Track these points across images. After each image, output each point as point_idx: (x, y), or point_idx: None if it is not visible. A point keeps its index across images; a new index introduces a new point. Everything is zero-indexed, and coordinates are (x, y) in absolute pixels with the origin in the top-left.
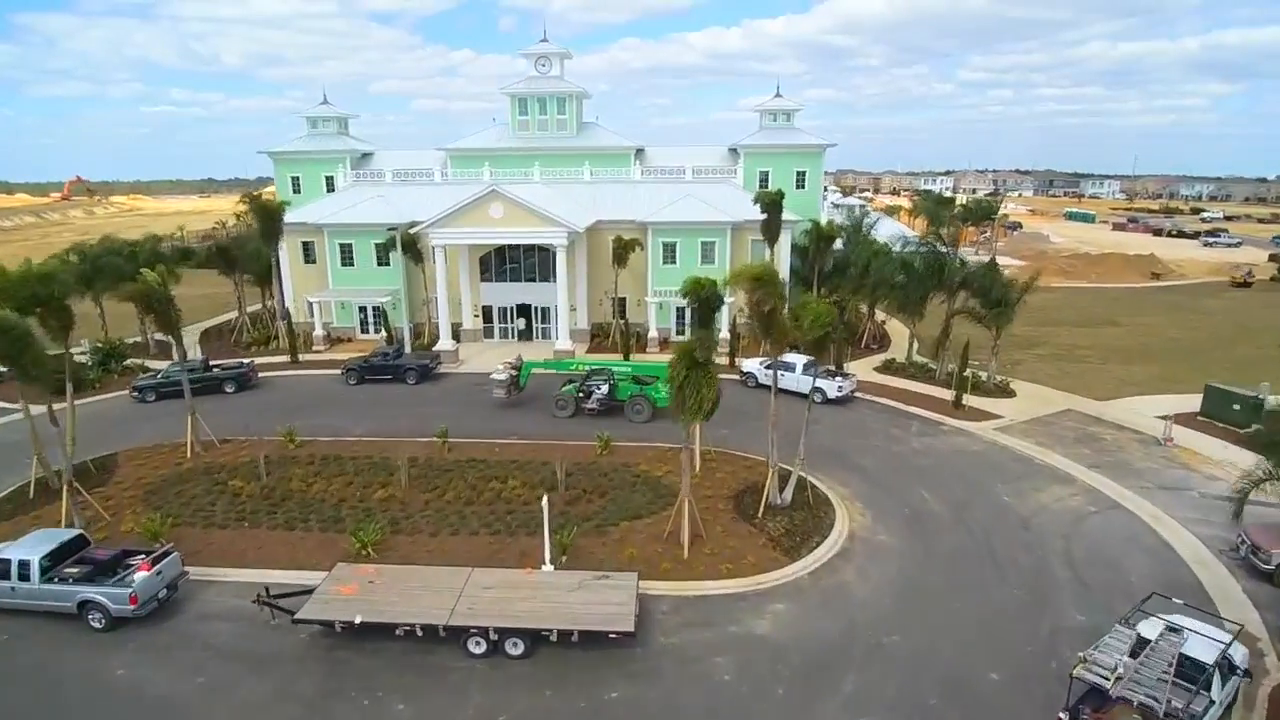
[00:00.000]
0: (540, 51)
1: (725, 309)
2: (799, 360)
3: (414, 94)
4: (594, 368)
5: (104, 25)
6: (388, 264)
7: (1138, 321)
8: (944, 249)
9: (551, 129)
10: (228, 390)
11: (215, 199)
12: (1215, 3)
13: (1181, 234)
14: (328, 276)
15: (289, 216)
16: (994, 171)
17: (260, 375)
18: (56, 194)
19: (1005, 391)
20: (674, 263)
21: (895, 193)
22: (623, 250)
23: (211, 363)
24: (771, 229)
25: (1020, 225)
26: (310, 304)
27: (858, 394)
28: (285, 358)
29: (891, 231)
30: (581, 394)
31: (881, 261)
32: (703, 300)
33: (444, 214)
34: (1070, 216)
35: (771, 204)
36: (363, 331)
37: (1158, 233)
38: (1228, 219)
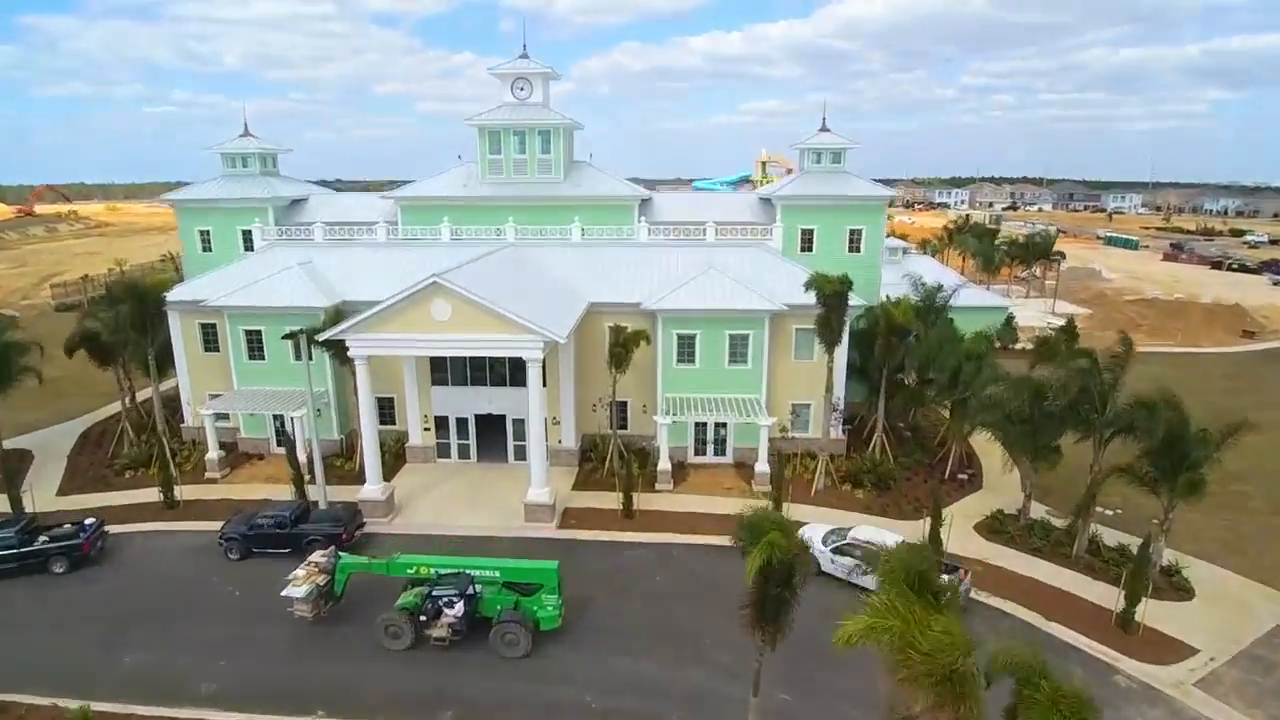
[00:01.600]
0: (518, 71)
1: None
2: (887, 537)
3: (416, 96)
4: (446, 569)
5: (105, 26)
6: (311, 356)
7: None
8: (1092, 369)
9: (531, 171)
10: (56, 570)
11: None
12: (1216, 9)
13: (1244, 268)
14: (230, 372)
15: (178, 292)
16: (1010, 183)
17: (120, 530)
18: (18, 206)
19: (1179, 588)
20: (692, 361)
21: (909, 206)
22: (624, 347)
23: (39, 526)
24: (832, 329)
25: (1064, 255)
26: (210, 408)
27: (974, 594)
28: (165, 495)
29: (934, 275)
30: (423, 613)
31: (984, 379)
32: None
33: (367, 316)
34: (1110, 241)
35: (834, 296)
36: (279, 444)
37: (1216, 265)
38: (1273, 243)
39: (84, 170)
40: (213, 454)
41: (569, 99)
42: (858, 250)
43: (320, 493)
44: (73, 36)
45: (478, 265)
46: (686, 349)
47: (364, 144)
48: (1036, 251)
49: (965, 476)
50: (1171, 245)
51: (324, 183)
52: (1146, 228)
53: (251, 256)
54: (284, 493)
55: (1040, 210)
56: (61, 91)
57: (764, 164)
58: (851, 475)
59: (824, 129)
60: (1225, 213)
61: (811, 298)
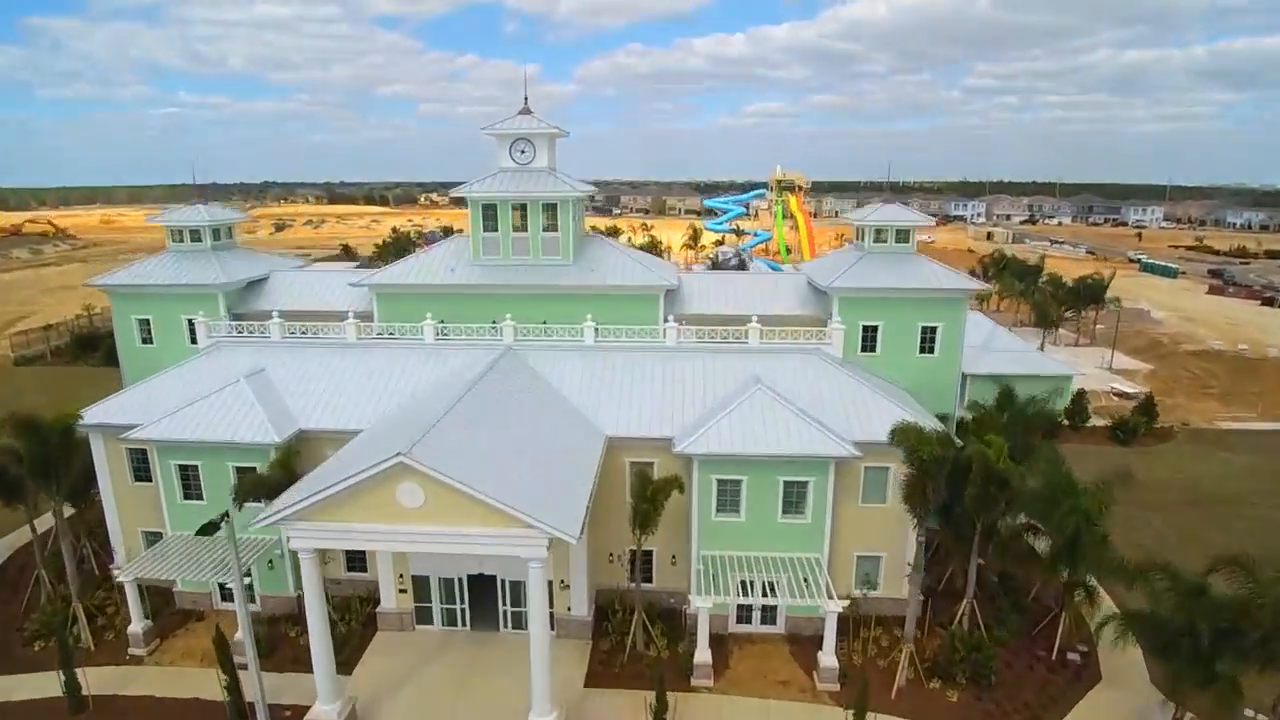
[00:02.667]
0: (518, 131)
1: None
2: None
3: (420, 98)
4: None
5: (110, 28)
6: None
7: None
8: None
9: (534, 253)
10: None
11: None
12: (1222, 10)
13: None
14: (163, 514)
15: (99, 412)
16: (1025, 192)
17: None
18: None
19: None
20: (735, 511)
21: None
22: (651, 503)
23: None
24: (925, 500)
25: (1119, 303)
26: (129, 572)
27: None
28: (69, 691)
29: (979, 330)
30: None
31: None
32: None
33: (313, 499)
34: (1146, 268)
35: (931, 465)
36: (224, 599)
37: (1268, 301)
38: None
39: (88, 172)
40: (136, 626)
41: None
42: (931, 351)
43: (258, 695)
44: (78, 38)
45: (461, 413)
46: (729, 497)
47: (367, 146)
48: (1089, 296)
49: (1078, 657)
50: (1210, 272)
51: (328, 185)
52: (1175, 246)
53: (194, 361)
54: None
55: (1060, 224)
56: (66, 93)
57: (779, 182)
58: (939, 664)
59: (888, 189)
60: (1250, 226)
61: (897, 449)
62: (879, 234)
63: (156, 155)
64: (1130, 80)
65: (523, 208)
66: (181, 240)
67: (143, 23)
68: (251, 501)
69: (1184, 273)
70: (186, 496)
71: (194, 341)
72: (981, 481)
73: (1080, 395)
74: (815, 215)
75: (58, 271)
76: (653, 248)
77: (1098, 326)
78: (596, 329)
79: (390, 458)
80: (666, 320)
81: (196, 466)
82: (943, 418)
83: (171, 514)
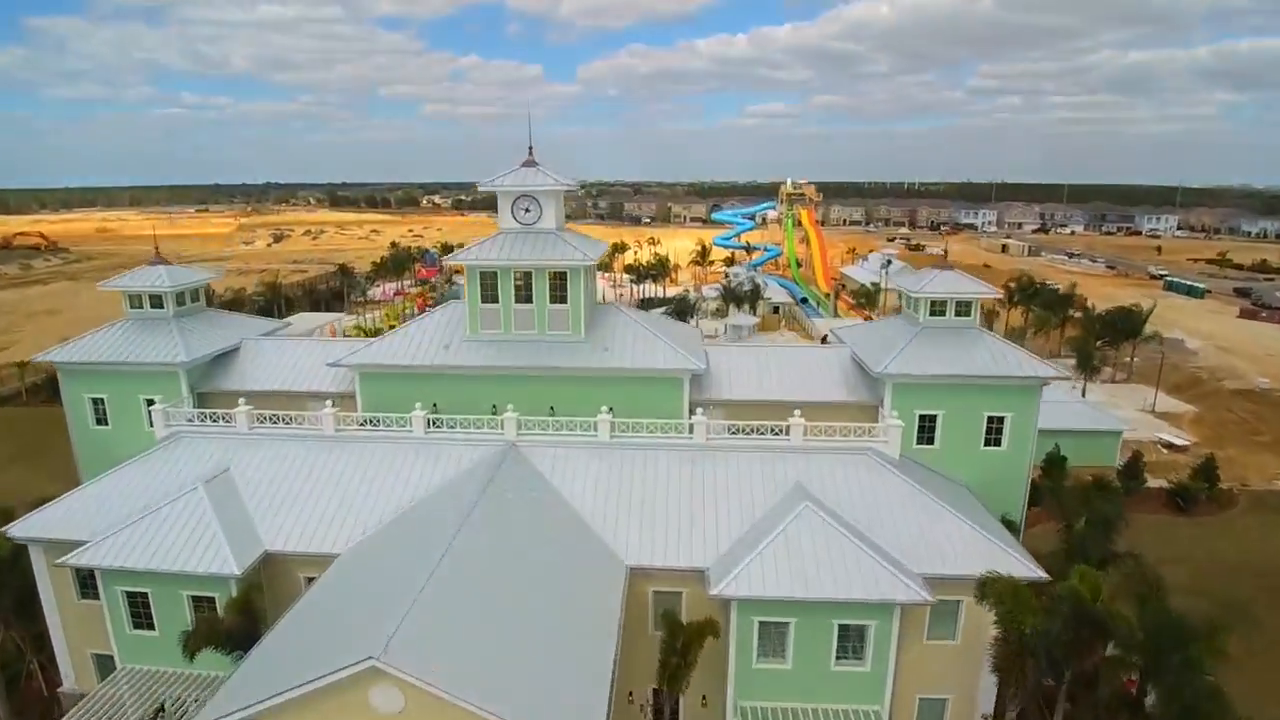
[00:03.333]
0: (522, 188)
1: None
2: None
3: (422, 98)
4: None
5: (113, 28)
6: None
7: None
8: None
9: (540, 327)
10: None
11: (210, 216)
12: (1225, 11)
13: None
14: (110, 643)
15: (35, 523)
16: (1036, 199)
17: None
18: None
19: None
20: (781, 658)
21: (935, 228)
22: (683, 655)
23: None
24: (1020, 675)
25: (1160, 338)
26: None
27: None
28: None
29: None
30: None
31: None
32: None
33: (271, 703)
34: (1170, 287)
35: (1033, 637)
36: None
37: None
38: None
39: (92, 172)
40: None
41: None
42: (997, 444)
43: None
44: (81, 38)
45: (451, 569)
46: (773, 642)
47: (370, 146)
48: (1127, 329)
49: None
50: (1237, 291)
51: (330, 186)
52: (1195, 259)
53: (150, 456)
54: None
55: (1073, 233)
56: (70, 93)
57: (789, 195)
58: None
59: (945, 265)
60: (1265, 235)
61: (960, 564)
62: (936, 306)
63: (160, 155)
64: (1134, 81)
65: (527, 276)
66: (140, 306)
67: (144, 22)
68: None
69: (1209, 291)
70: (136, 626)
71: (151, 424)
72: (1074, 625)
73: (1136, 459)
74: (823, 223)
75: (44, 292)
76: (660, 266)
77: (1134, 359)
78: (613, 424)
79: (360, 661)
80: (693, 410)
81: (147, 594)
82: (1009, 523)
83: (121, 645)
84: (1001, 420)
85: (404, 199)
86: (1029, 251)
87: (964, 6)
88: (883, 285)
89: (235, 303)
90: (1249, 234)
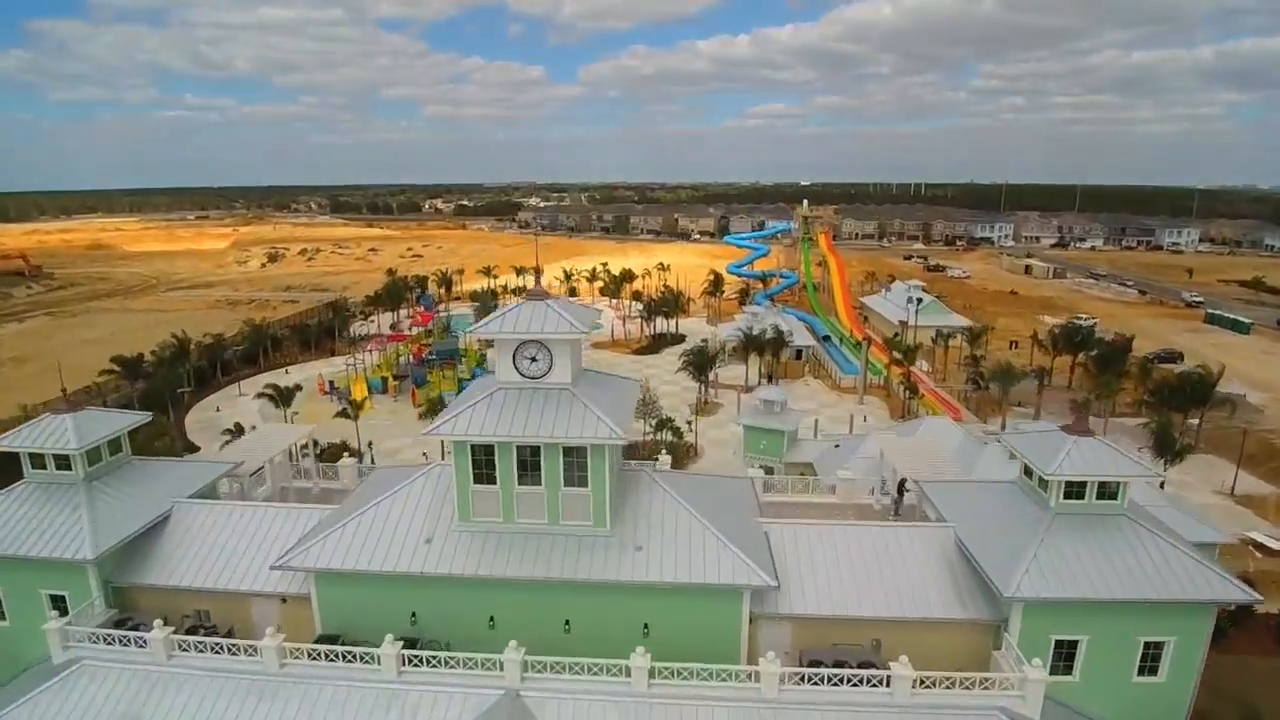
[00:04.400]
0: (526, 335)
1: None
2: None
3: (425, 100)
4: None
5: (115, 31)
6: None
7: None
8: None
9: (552, 517)
10: None
11: (208, 226)
12: (1229, 11)
13: None
14: None
15: None
16: (1059, 214)
17: None
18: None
19: None
20: None
21: (950, 242)
22: None
23: None
24: None
25: (1233, 405)
26: None
27: None
28: None
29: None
30: None
31: None
32: None
33: None
34: (1212, 320)
35: None
36: None
37: None
38: None
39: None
40: None
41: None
42: (1154, 673)
43: None
44: (83, 40)
45: None
46: None
47: (372, 147)
48: (1195, 394)
49: None
50: None
51: (332, 188)
52: (1226, 280)
53: (40, 694)
54: None
55: (1093, 248)
56: (73, 95)
57: (805, 218)
58: None
59: (1077, 428)
60: None
61: None
62: (1073, 489)
63: (163, 157)
64: (1137, 81)
65: (535, 455)
66: (44, 467)
67: (146, 25)
68: None
69: (1253, 322)
70: None
71: (59, 611)
72: None
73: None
74: (835, 237)
75: (17, 332)
76: (673, 301)
77: (1201, 424)
78: (654, 667)
79: None
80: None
81: None
82: None
83: None
84: (1161, 647)
85: (406, 204)
86: (1054, 273)
87: (966, 7)
88: (911, 323)
89: (215, 348)
90: (1272, 248)
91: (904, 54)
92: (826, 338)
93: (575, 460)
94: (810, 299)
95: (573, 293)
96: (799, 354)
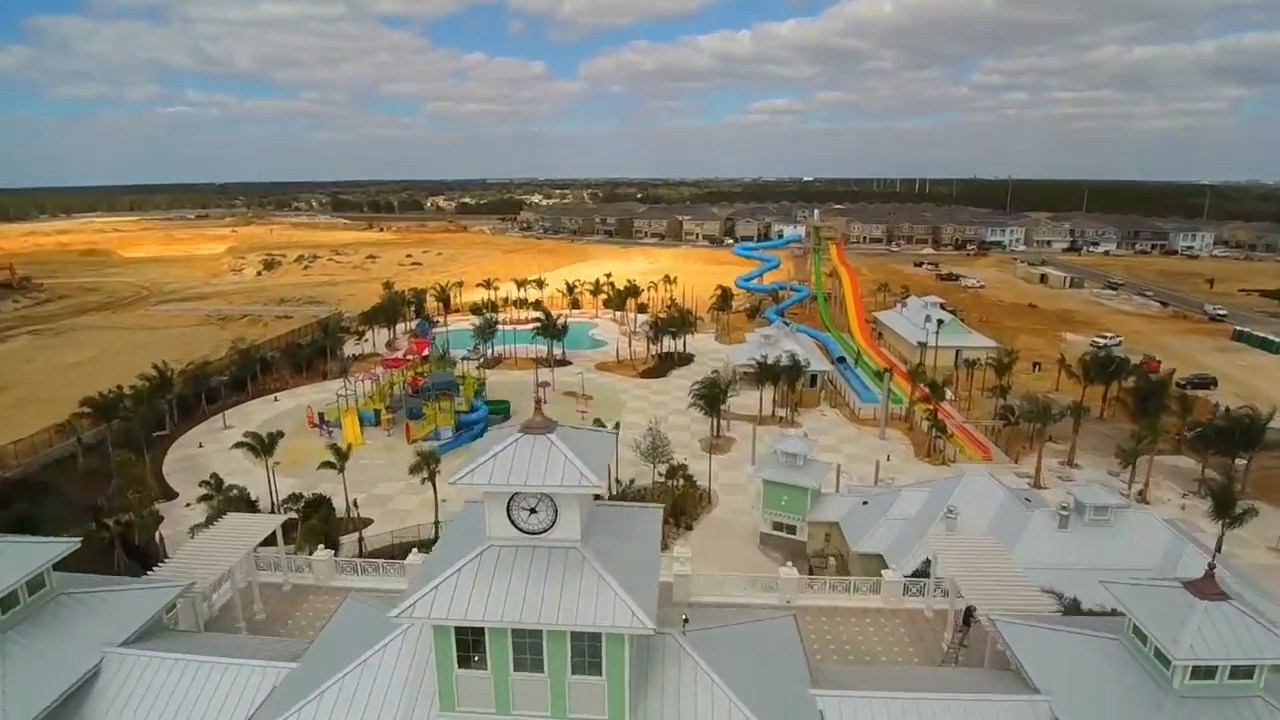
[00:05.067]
0: (523, 485)
1: None
2: None
3: (426, 96)
4: None
5: (116, 27)
6: None
7: None
8: None
9: (556, 709)
10: None
11: (208, 227)
12: (1230, 6)
13: None
14: None
15: None
16: (1070, 217)
17: None
18: None
19: None
20: None
21: (960, 246)
22: None
23: None
24: None
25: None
26: None
27: None
28: None
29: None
30: None
31: None
32: None
33: None
34: (1240, 337)
35: None
36: None
37: None
38: None
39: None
40: None
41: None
42: None
43: None
44: (84, 37)
45: None
46: None
47: (374, 144)
48: (1244, 437)
49: None
50: None
51: (334, 185)
52: (1246, 289)
53: None
54: None
55: (1107, 253)
56: (75, 92)
57: (817, 229)
58: None
59: (1212, 591)
60: None
61: None
62: (1203, 670)
63: (164, 154)
64: (1139, 76)
65: (535, 638)
66: None
67: (146, 21)
68: None
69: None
70: None
71: None
72: None
73: None
74: (846, 241)
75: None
76: (682, 320)
77: (1249, 467)
78: None
79: None
80: None
81: None
82: None
83: None
84: None
85: (407, 202)
86: (1070, 283)
87: (967, 2)
88: (928, 343)
89: (200, 379)
90: None
91: (905, 49)
92: (841, 359)
93: (587, 644)
94: (821, 313)
95: (575, 305)
96: (814, 380)
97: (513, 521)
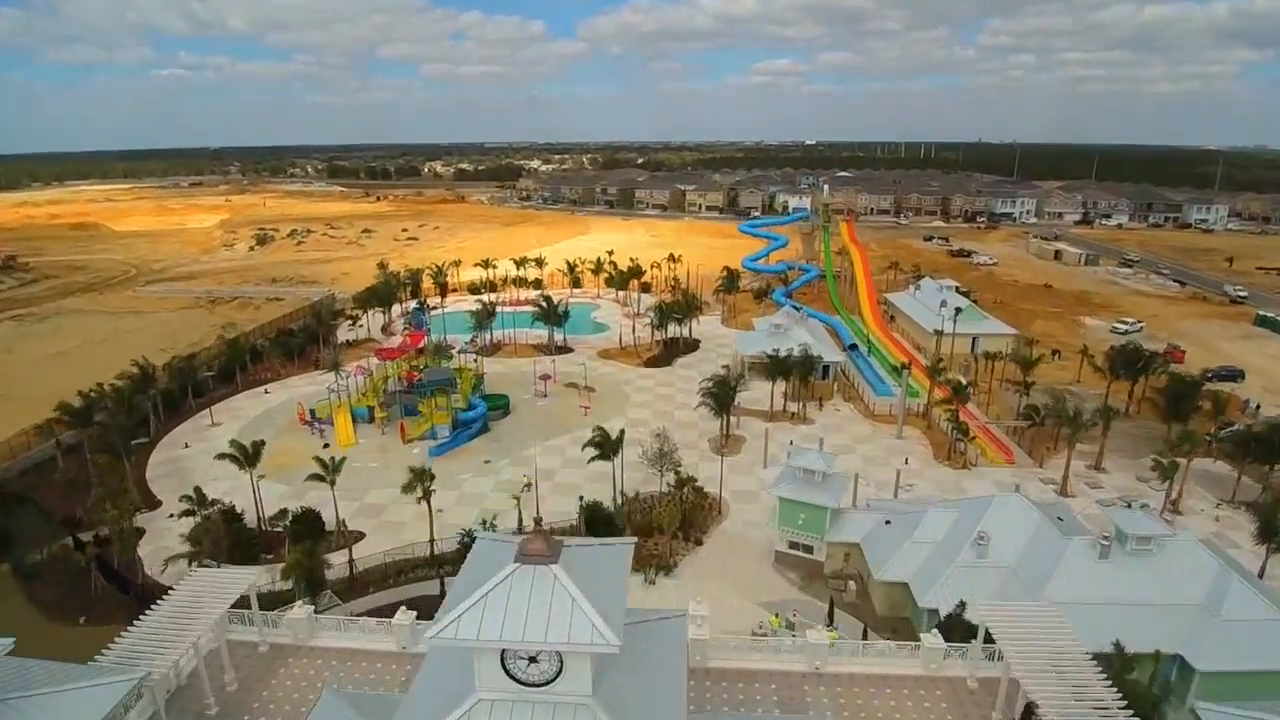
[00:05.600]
0: (519, 640)
1: None
2: None
3: (422, 59)
4: None
5: None
6: None
7: None
8: None
9: None
10: None
11: (201, 197)
12: None
13: None
14: None
15: None
16: (1082, 188)
17: None
18: None
19: None
20: None
21: (970, 219)
22: None
23: None
24: None
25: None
26: None
27: None
28: None
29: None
30: None
31: None
32: None
33: None
34: (1263, 322)
35: None
36: None
37: None
38: None
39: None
40: None
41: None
42: None
43: None
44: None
45: None
46: None
47: (370, 108)
48: None
49: None
50: None
51: (330, 150)
52: (1264, 268)
53: None
54: None
55: (1120, 225)
56: (66, 56)
57: (826, 206)
58: None
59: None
60: None
61: None
62: None
63: (159, 118)
64: (1149, 38)
65: None
66: None
67: None
68: None
69: None
70: None
71: None
72: None
73: None
74: (856, 216)
75: None
76: (687, 306)
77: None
78: None
79: None
80: None
81: None
82: None
83: None
84: None
85: (404, 168)
86: (1085, 260)
87: None
88: (944, 330)
89: (187, 372)
90: None
91: (911, 9)
92: (853, 346)
93: None
94: (831, 294)
95: (577, 284)
96: (826, 371)
97: (508, 672)
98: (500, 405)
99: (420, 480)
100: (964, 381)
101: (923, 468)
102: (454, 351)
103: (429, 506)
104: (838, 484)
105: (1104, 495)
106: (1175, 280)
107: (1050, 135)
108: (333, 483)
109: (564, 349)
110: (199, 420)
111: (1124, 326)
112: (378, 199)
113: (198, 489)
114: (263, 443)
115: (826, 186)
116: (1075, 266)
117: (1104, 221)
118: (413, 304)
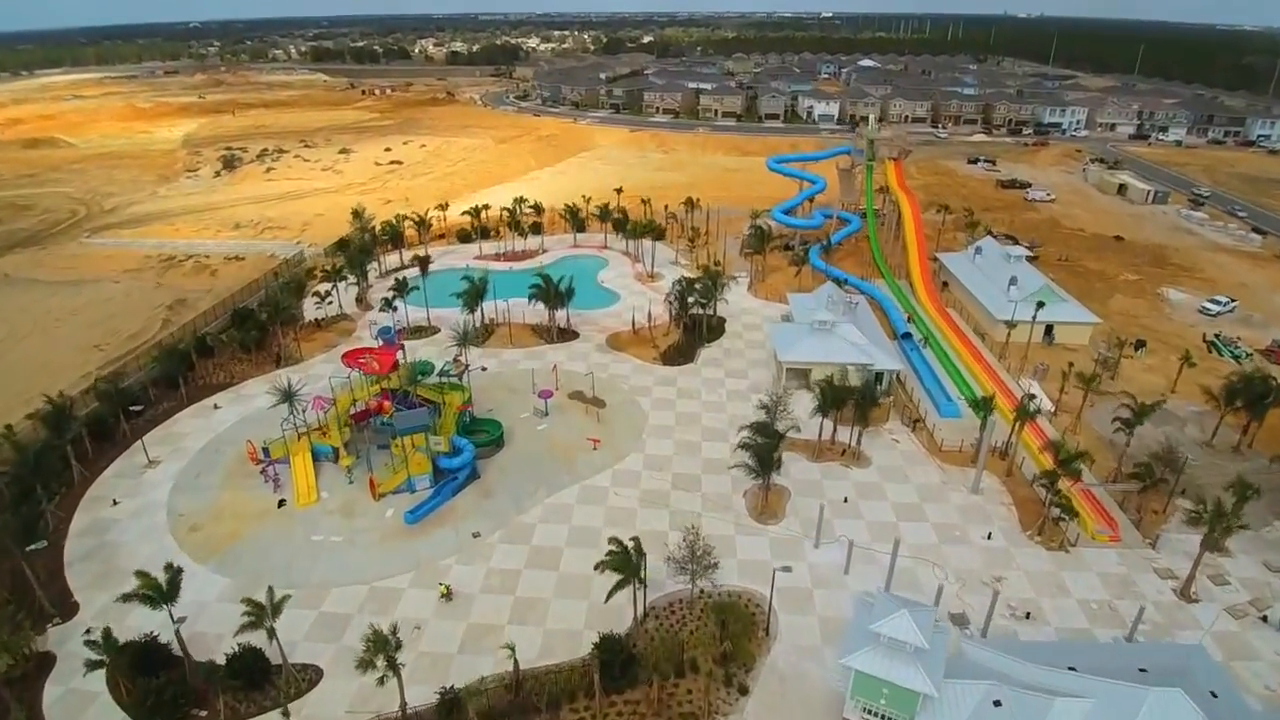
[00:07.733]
0: None
1: None
2: None
3: None
4: None
5: None
6: None
7: None
8: None
9: None
10: None
11: (172, 99)
12: None
13: None
14: None
15: None
16: (1131, 88)
17: None
18: None
19: None
20: None
21: (1015, 130)
22: None
23: None
24: None
25: None
26: None
27: None
28: None
29: None
30: None
31: None
32: None
33: None
34: None
35: None
36: None
37: None
38: None
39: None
40: None
41: None
42: None
43: None
44: None
45: None
46: None
47: None
48: None
49: None
50: None
51: (315, 23)
52: None
53: None
54: None
55: (1178, 143)
56: None
57: (871, 142)
58: None
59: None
60: None
61: None
62: None
63: None
64: None
65: None
66: None
67: None
68: None
69: None
70: None
71: None
72: None
73: None
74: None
75: None
76: (713, 283)
77: None
78: None
79: None
80: None
81: None
82: None
83: None
84: None
85: (393, 50)
86: (1153, 197)
87: None
88: (1014, 318)
89: (113, 396)
90: None
91: None
92: (906, 335)
93: None
94: (874, 253)
95: (581, 228)
96: (879, 380)
97: None
98: (492, 440)
99: (382, 649)
100: (1071, 453)
101: (1009, 547)
102: (436, 375)
103: (399, 677)
104: (939, 648)
105: (1234, 597)
106: (1253, 226)
107: (1080, 9)
108: (273, 630)
109: (567, 332)
110: (133, 456)
111: (1215, 308)
112: (362, 92)
113: (107, 630)
114: (180, 572)
115: (872, 117)
116: (1143, 205)
117: (1160, 136)
118: (380, 326)
